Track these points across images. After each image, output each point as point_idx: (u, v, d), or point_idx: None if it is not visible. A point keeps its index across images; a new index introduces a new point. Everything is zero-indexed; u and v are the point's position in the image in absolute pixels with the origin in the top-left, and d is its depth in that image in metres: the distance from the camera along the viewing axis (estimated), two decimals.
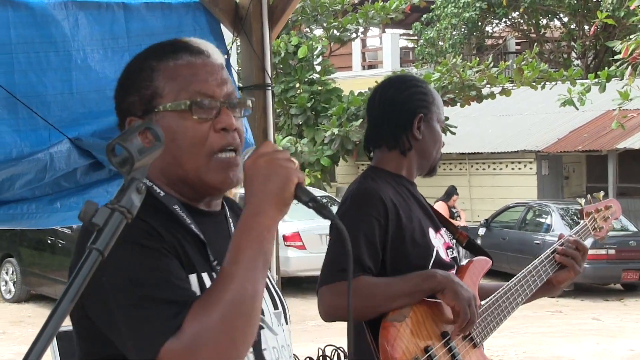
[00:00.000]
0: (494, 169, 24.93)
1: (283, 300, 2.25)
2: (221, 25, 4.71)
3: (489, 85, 20.56)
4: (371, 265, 3.20)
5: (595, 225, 3.95)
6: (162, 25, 4.56)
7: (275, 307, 2.19)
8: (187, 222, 2.06)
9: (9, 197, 4.10)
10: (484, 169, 25.16)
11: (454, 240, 3.59)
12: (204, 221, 2.09)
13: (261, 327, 2.07)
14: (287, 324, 2.22)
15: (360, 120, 19.79)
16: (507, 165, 24.65)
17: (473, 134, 24.96)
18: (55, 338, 3.78)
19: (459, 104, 21.06)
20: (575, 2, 32.05)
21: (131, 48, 4.49)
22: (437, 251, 3.35)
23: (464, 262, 3.52)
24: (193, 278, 1.97)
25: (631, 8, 19.24)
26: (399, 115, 3.42)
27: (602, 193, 4.07)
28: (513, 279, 3.57)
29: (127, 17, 4.48)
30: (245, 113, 2.17)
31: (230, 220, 2.22)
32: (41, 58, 4.20)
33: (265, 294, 2.12)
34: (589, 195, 4.04)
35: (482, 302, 3.41)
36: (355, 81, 26.82)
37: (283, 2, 4.74)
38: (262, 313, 2.08)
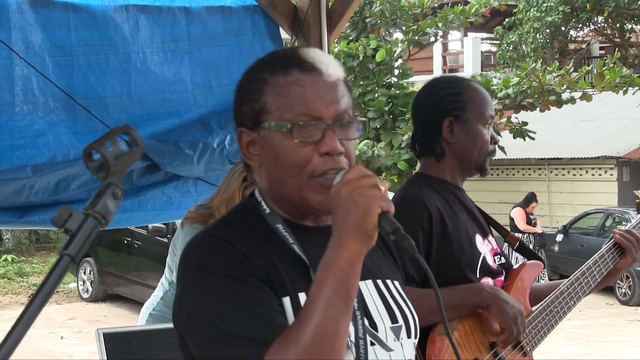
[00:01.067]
0: (574, 174, 24.54)
1: (407, 312, 2.14)
2: (280, 28, 4.73)
3: (569, 90, 20.28)
4: (415, 274, 3.10)
5: None
6: (221, 28, 4.59)
7: (394, 321, 2.09)
8: (289, 242, 2.02)
9: (65, 198, 4.16)
10: (563, 175, 24.80)
11: (506, 246, 3.53)
12: (311, 239, 2.02)
13: (372, 344, 2.01)
14: (409, 337, 2.12)
15: None
16: (587, 171, 24.25)
17: (553, 139, 24.63)
18: (103, 339, 3.83)
19: (538, 109, 20.80)
20: None
21: (191, 51, 4.54)
22: (483, 258, 3.29)
23: (515, 266, 3.46)
24: (287, 301, 1.93)
25: None
26: (428, 121, 3.35)
27: None
28: (565, 281, 3.49)
29: (188, 20, 4.52)
30: (359, 134, 2.07)
31: None
32: (101, 60, 4.26)
33: (381, 307, 2.09)
34: None
35: (533, 308, 3.36)
36: None
37: (342, 6, 4.72)
38: (376, 328, 2.03)
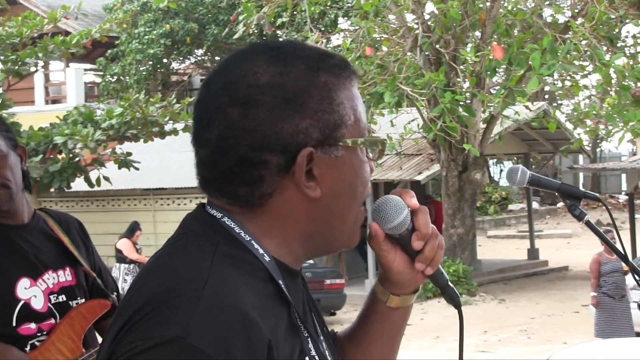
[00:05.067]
0: (179, 204, 25.10)
1: None
2: None
3: (172, 122, 20.71)
4: None
5: None
6: None
7: None
8: (292, 304, 1.54)
9: None
10: (168, 205, 25.27)
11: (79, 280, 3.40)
12: (293, 285, 1.59)
13: None
14: None
15: (41, 156, 19.31)
16: (191, 200, 24.87)
17: (157, 170, 25.03)
18: None
19: (142, 140, 21.05)
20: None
21: None
22: (24, 304, 3.20)
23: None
24: None
25: None
26: None
27: None
28: None
29: None
30: None
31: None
32: None
33: None
34: None
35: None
36: (38, 116, 26.17)
37: None
38: None
